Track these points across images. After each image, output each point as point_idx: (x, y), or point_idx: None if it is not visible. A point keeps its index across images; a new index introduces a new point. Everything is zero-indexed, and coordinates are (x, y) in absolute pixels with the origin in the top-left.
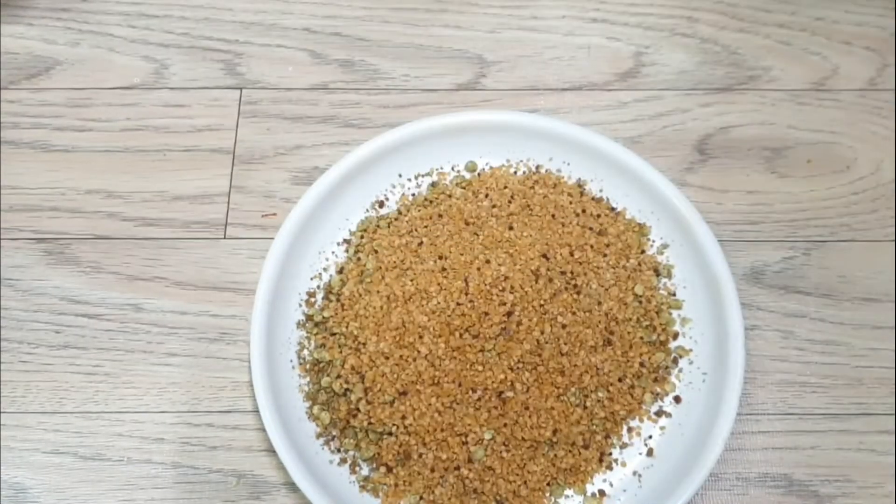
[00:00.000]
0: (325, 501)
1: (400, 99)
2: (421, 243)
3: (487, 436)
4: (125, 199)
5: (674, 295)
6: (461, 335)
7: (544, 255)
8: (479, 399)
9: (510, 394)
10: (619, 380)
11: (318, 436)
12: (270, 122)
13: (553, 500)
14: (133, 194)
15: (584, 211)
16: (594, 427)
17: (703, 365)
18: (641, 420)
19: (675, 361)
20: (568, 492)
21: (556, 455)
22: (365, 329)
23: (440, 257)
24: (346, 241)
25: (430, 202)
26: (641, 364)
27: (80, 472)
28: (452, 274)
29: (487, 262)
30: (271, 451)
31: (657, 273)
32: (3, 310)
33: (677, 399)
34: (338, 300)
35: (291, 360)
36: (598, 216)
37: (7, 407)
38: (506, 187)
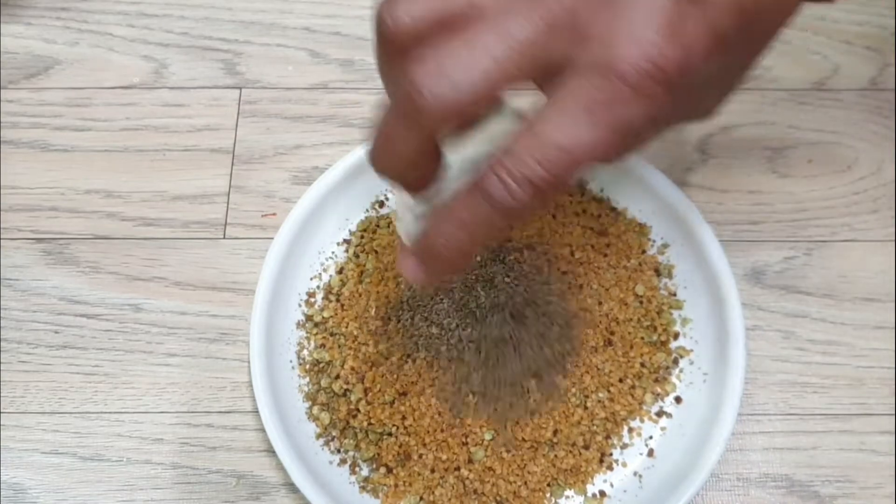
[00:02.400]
0: (324, 502)
1: None
2: None
3: (487, 436)
4: (124, 199)
5: (675, 295)
6: None
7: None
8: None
9: None
10: (620, 380)
11: (318, 436)
12: (270, 121)
13: (553, 500)
14: (132, 194)
15: (584, 211)
16: (595, 428)
17: (704, 365)
18: (642, 420)
19: (676, 362)
20: (568, 492)
21: (556, 456)
22: (364, 329)
23: None
24: (345, 241)
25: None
26: (642, 364)
27: (80, 473)
28: None
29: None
30: (271, 451)
31: (658, 273)
32: (3, 310)
33: (678, 399)
34: (338, 300)
35: (291, 361)
36: (599, 216)
37: (6, 407)
38: None
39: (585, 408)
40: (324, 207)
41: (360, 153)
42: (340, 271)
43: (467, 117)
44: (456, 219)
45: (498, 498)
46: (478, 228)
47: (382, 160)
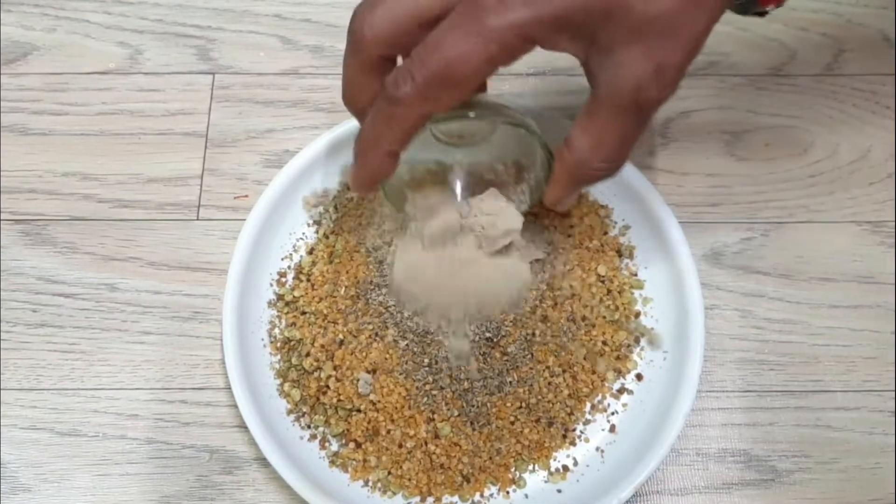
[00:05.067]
0: (295, 476)
1: None
2: None
3: (454, 413)
4: (101, 182)
5: (635, 275)
6: None
7: None
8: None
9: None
10: (584, 358)
11: (289, 412)
12: (242, 106)
13: (518, 475)
14: (108, 177)
15: None
16: (558, 404)
17: (664, 343)
18: (604, 397)
19: (637, 340)
20: (532, 467)
21: (521, 432)
22: (334, 308)
23: None
24: (315, 222)
25: None
26: (604, 343)
27: (57, 448)
28: None
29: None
30: (243, 427)
31: (619, 254)
32: None
33: (639, 377)
34: (308, 280)
35: (263, 339)
36: None
37: None
38: None
39: (549, 385)
40: (294, 189)
41: (329, 136)
42: (311, 252)
43: (396, 46)
44: (369, 119)
45: (463, 472)
46: (380, 122)
47: (343, 92)
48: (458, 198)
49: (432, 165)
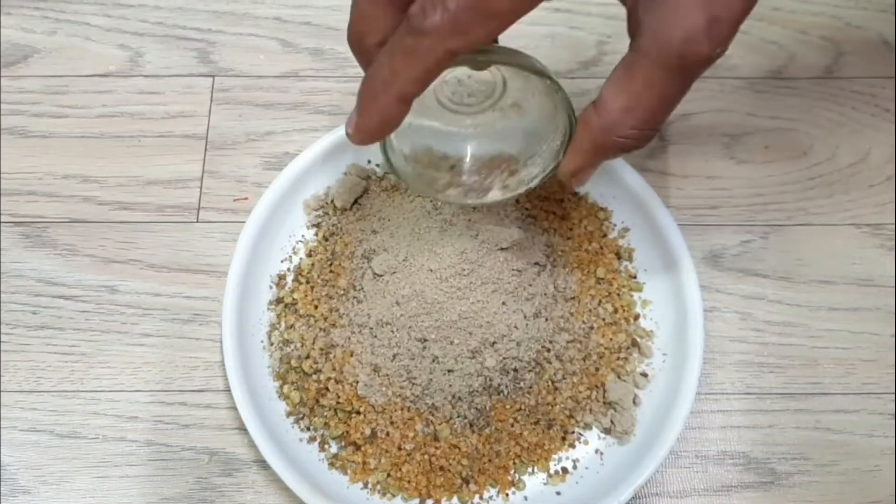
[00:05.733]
0: (294, 478)
1: None
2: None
3: (453, 415)
4: (101, 184)
5: (635, 278)
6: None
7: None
8: None
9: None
10: (583, 359)
11: (288, 414)
12: (242, 108)
13: (517, 477)
14: (108, 179)
15: (547, 197)
16: (558, 407)
17: (664, 346)
18: (604, 399)
19: (636, 343)
20: (532, 469)
21: (520, 434)
22: (333, 310)
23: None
24: (315, 224)
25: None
26: (603, 345)
27: (57, 450)
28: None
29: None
30: (243, 429)
31: (619, 256)
32: None
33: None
34: (307, 282)
35: (262, 341)
36: (562, 200)
37: None
38: None
39: (548, 387)
40: (294, 192)
41: (329, 139)
42: (310, 254)
43: None
44: (383, 55)
45: (463, 475)
46: (399, 57)
47: (349, 27)
48: (465, 174)
49: (437, 140)
